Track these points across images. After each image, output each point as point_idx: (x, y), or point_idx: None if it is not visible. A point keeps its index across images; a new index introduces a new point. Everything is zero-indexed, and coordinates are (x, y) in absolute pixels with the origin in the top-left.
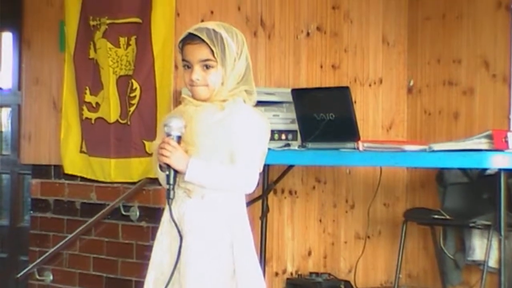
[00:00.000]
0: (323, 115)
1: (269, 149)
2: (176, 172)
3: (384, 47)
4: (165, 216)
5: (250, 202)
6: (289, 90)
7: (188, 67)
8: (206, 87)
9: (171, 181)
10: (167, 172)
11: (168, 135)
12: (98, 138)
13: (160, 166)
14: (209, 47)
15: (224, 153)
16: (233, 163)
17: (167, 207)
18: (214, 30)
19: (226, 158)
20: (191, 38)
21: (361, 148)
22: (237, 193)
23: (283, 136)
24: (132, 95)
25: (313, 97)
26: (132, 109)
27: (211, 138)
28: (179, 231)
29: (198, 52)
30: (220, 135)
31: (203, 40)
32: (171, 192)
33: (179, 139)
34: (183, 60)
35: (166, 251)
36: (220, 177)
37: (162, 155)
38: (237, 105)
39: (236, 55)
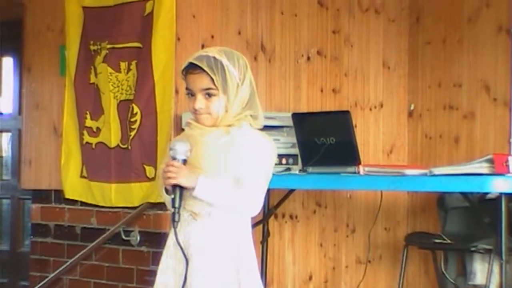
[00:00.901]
0: (324, 139)
1: None
2: (181, 195)
3: (384, 71)
4: (170, 239)
5: (251, 227)
6: (289, 114)
7: (192, 95)
8: (209, 115)
9: (177, 204)
10: (173, 196)
11: (174, 158)
12: (98, 162)
13: (166, 190)
14: (210, 75)
15: (229, 176)
16: (239, 186)
17: (172, 230)
18: (214, 58)
19: (231, 182)
20: (192, 67)
21: (361, 172)
22: (242, 217)
23: (284, 161)
24: (132, 119)
25: (314, 121)
26: (132, 133)
27: (217, 162)
28: (184, 255)
29: (199, 81)
30: (226, 159)
31: (203, 69)
32: (177, 215)
33: (185, 162)
34: (186, 88)
35: (171, 274)
36: (227, 196)
37: (168, 177)
38: (243, 129)
39: (239, 81)
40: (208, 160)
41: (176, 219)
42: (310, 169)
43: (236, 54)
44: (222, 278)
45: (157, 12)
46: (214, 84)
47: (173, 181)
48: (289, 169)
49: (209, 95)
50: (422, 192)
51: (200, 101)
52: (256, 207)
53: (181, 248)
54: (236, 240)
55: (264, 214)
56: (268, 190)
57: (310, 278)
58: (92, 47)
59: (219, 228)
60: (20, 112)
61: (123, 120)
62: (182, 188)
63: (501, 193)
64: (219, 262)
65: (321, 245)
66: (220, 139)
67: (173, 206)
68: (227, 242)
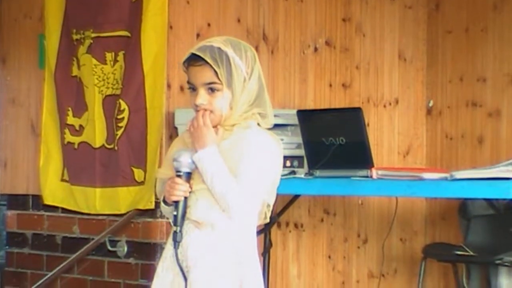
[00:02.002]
0: (333, 140)
1: None
2: (184, 212)
3: (400, 64)
4: (167, 250)
5: None
6: (294, 112)
7: (194, 89)
8: (212, 113)
9: (179, 223)
10: (175, 212)
11: (177, 171)
12: (81, 165)
13: (166, 202)
14: (214, 68)
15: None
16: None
17: (170, 241)
18: (219, 49)
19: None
20: (194, 58)
21: (374, 176)
22: (246, 227)
23: (288, 163)
24: (119, 117)
25: (322, 120)
26: (119, 132)
27: None
28: (183, 273)
29: (201, 75)
30: (228, 162)
31: (206, 61)
32: (179, 235)
33: (189, 175)
34: (188, 82)
35: None
36: (225, 181)
37: (171, 194)
38: (249, 130)
39: (246, 75)
40: None
41: (178, 239)
42: (317, 173)
43: (243, 44)
44: None
45: None
46: (218, 78)
47: (175, 198)
48: (294, 172)
49: (212, 90)
50: (442, 198)
51: (202, 97)
52: (242, 211)
53: (181, 269)
54: (238, 252)
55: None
56: None
57: None
58: (74, 36)
59: (220, 239)
60: None
61: (109, 117)
62: (185, 205)
63: None
64: (219, 275)
65: (329, 257)
66: (223, 142)
67: (175, 224)
68: (230, 254)
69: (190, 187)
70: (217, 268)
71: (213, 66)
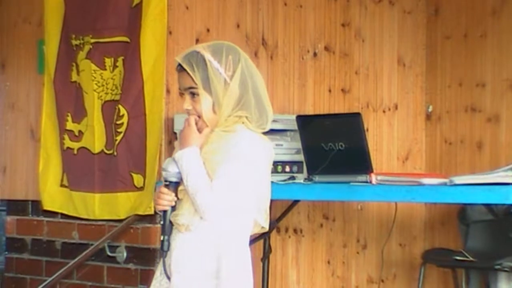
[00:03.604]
0: (332, 145)
1: (271, 182)
2: (171, 222)
3: (399, 69)
4: (158, 270)
5: (250, 242)
6: (293, 117)
7: (182, 95)
8: (200, 118)
9: (166, 232)
10: (162, 222)
11: (165, 181)
12: (80, 170)
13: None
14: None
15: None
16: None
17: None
18: (197, 53)
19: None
20: (178, 65)
21: (374, 181)
22: (232, 234)
23: (287, 168)
24: (119, 122)
25: (321, 125)
26: (118, 138)
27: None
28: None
29: (182, 80)
30: (211, 165)
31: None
32: (165, 244)
33: (177, 185)
34: (179, 88)
35: None
36: (197, 181)
37: (157, 204)
38: (232, 133)
39: (226, 77)
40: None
41: (165, 248)
42: (316, 178)
43: (226, 47)
44: None
45: (147, 2)
46: (195, 82)
47: (160, 208)
48: (293, 177)
49: (193, 94)
50: (441, 203)
51: (187, 102)
52: (214, 212)
53: (167, 276)
54: (219, 256)
55: None
56: (270, 201)
57: None
58: (74, 42)
59: (202, 243)
60: None
61: (108, 123)
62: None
63: None
64: (199, 278)
65: (328, 262)
66: (208, 147)
67: (162, 233)
68: (209, 258)
69: (177, 196)
70: (197, 271)
71: (189, 70)
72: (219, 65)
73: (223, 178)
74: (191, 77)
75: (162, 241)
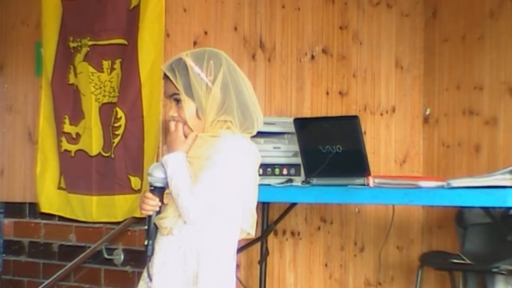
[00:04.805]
0: (329, 148)
1: (269, 185)
2: (156, 228)
3: (397, 72)
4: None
5: (248, 245)
6: (291, 120)
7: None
8: (185, 124)
9: (150, 236)
10: (146, 226)
11: (151, 185)
12: (78, 172)
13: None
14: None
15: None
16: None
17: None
18: (180, 59)
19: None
20: (163, 72)
21: (371, 184)
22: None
23: (285, 171)
24: (116, 125)
25: (318, 128)
26: (116, 140)
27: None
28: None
29: (166, 87)
30: (195, 169)
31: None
32: (149, 248)
33: (163, 190)
34: (164, 96)
35: None
36: (180, 184)
37: (142, 209)
38: (216, 138)
39: (208, 83)
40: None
41: (149, 253)
42: (314, 181)
43: (209, 52)
44: None
45: (144, 5)
46: (177, 88)
47: (144, 213)
48: (290, 180)
49: (177, 101)
50: (438, 206)
51: (172, 108)
52: (196, 215)
53: (150, 278)
54: (199, 262)
55: (263, 230)
56: (268, 204)
57: None
58: (71, 44)
59: (183, 245)
60: None
61: (106, 125)
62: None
63: None
64: (180, 282)
65: (326, 265)
66: (194, 152)
67: (147, 237)
68: (190, 262)
69: (161, 201)
70: (178, 280)
71: (171, 77)
72: (200, 70)
73: (203, 183)
74: (174, 84)
75: (146, 246)
